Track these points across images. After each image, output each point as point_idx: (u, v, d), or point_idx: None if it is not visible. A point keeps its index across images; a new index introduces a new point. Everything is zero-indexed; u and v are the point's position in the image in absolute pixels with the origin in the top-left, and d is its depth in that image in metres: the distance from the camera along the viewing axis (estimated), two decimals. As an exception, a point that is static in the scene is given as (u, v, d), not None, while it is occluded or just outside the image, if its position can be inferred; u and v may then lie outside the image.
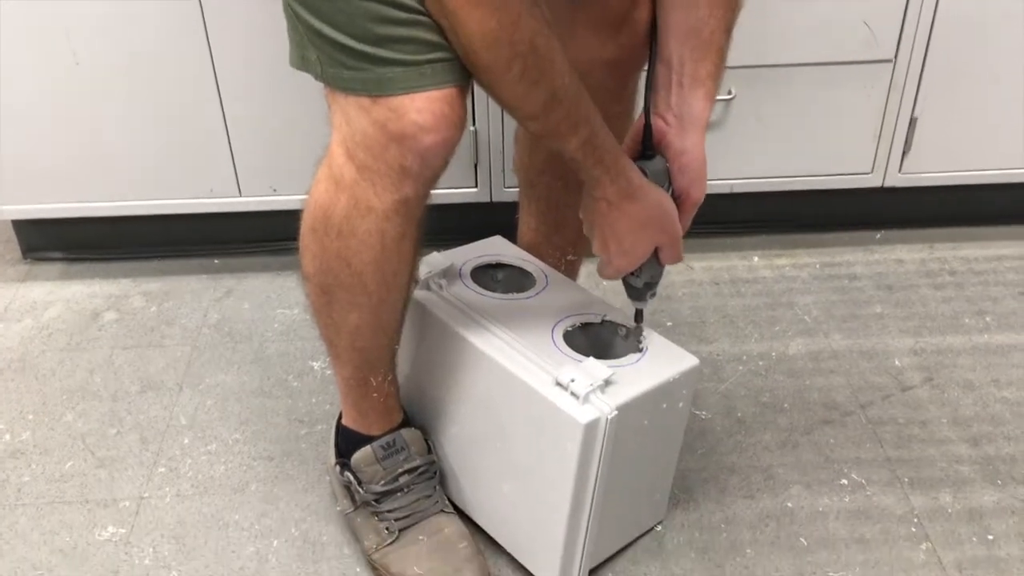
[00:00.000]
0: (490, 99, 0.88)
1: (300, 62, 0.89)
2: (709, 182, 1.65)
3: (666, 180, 0.98)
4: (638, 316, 1.07)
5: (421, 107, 0.83)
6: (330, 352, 1.05)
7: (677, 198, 0.99)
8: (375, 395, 1.07)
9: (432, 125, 0.84)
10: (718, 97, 1.50)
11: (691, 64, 0.96)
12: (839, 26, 1.47)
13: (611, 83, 1.06)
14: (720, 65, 0.97)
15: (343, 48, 0.83)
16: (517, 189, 1.25)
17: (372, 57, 0.82)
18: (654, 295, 1.06)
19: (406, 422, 1.11)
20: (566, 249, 1.23)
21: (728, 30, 0.97)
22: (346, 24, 0.82)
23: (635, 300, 1.06)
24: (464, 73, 0.85)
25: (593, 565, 1.09)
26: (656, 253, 1.01)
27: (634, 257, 0.99)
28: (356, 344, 1.01)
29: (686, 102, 0.97)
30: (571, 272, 1.25)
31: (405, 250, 0.94)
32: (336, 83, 0.86)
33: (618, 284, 1.10)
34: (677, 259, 1.02)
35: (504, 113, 1.48)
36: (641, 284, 1.05)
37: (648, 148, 0.97)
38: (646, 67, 1.02)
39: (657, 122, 0.97)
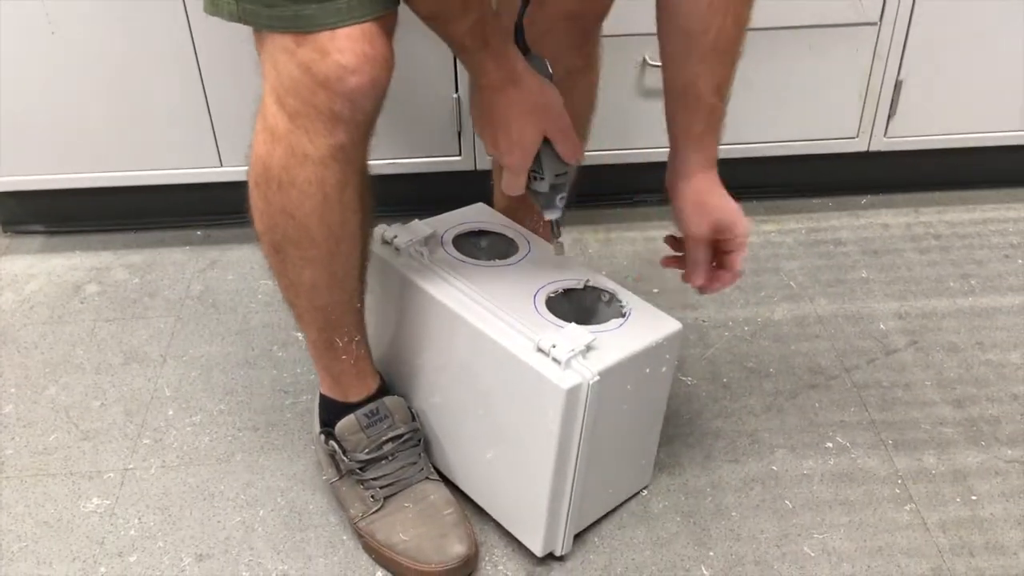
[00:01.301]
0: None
1: (212, 6, 0.89)
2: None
3: (548, 74, 0.98)
4: (555, 229, 1.05)
5: (343, 47, 0.83)
6: (294, 315, 1.05)
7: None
8: (344, 357, 1.06)
9: (356, 66, 0.83)
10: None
11: (683, 122, 0.99)
12: (824, -12, 1.46)
13: (573, 37, 1.06)
14: (712, 123, 1.00)
15: None
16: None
17: None
18: (564, 200, 1.04)
19: (384, 389, 1.11)
20: None
21: (719, 90, 0.98)
22: None
23: (546, 209, 1.04)
24: (381, 3, 0.84)
25: (579, 530, 1.09)
26: (553, 149, 0.99)
27: (523, 147, 0.97)
28: (315, 303, 1.01)
29: (680, 156, 1.00)
30: (549, 235, 1.24)
31: (348, 199, 0.93)
32: (254, 20, 0.85)
33: (604, 252, 1.10)
34: (575, 153, 1.00)
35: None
36: (547, 187, 1.02)
37: (521, 44, 0.96)
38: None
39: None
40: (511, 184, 1.00)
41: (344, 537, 1.11)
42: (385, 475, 1.08)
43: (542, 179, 1.01)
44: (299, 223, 0.92)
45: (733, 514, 1.14)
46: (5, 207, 1.66)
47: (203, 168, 1.54)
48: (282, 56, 0.85)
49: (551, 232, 1.06)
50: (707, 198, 1.01)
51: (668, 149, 1.02)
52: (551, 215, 1.04)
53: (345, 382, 1.08)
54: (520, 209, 1.21)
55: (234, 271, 1.57)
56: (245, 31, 0.89)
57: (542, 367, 0.95)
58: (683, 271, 1.05)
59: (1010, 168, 1.72)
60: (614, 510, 1.14)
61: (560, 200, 1.03)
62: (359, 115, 0.87)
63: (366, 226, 1.00)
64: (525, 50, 0.97)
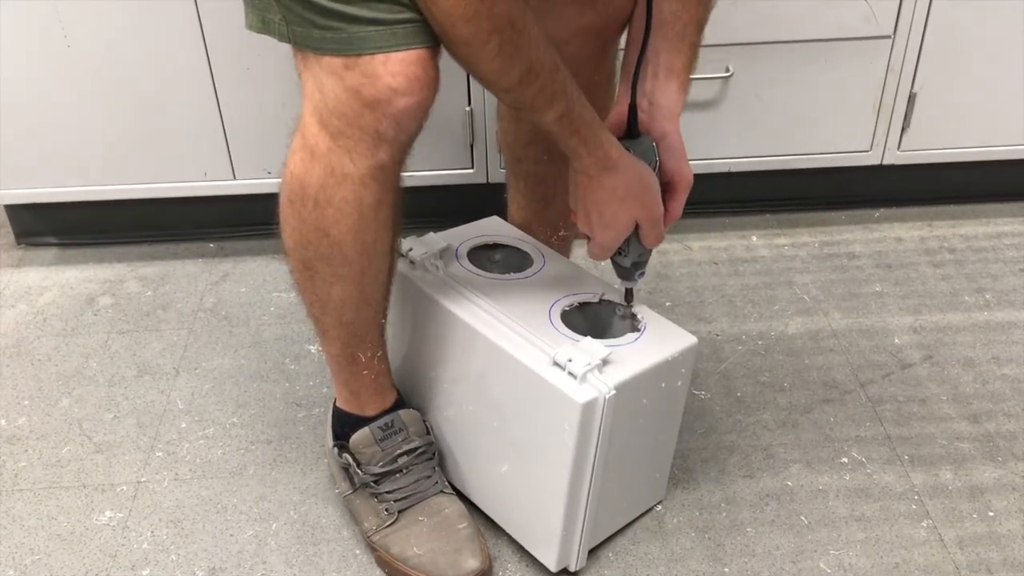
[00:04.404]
0: (475, 80, 0.87)
1: (260, 25, 0.89)
2: (708, 160, 1.65)
3: (653, 159, 0.98)
4: (628, 296, 1.07)
5: (395, 70, 0.83)
6: (317, 330, 1.04)
7: (669, 180, 1.00)
8: (366, 372, 1.06)
9: (406, 88, 0.83)
10: (716, 75, 1.51)
11: (666, 55, 0.97)
12: (838, 3, 1.46)
13: (591, 51, 1.06)
14: (693, 59, 0.99)
15: (313, 6, 0.82)
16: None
17: (343, 15, 0.81)
18: (643, 275, 1.06)
19: (400, 403, 1.11)
20: (556, 225, 1.22)
21: (700, 26, 0.98)
22: None
23: (624, 280, 1.06)
24: (436, 35, 0.84)
25: (593, 545, 1.08)
26: (638, 233, 1.01)
27: (616, 231, 0.99)
28: (342, 319, 1.01)
29: (662, 91, 0.98)
30: (564, 248, 1.25)
31: (383, 217, 0.93)
32: (305, 42, 0.85)
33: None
34: (658, 239, 1.02)
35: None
36: (629, 264, 1.04)
37: (633, 128, 0.97)
38: (624, 44, 1.03)
39: None
40: (596, 255, 1.02)
41: (357, 551, 1.11)
42: (399, 488, 1.08)
43: (626, 256, 1.04)
44: (333, 241, 0.92)
45: (748, 530, 1.13)
46: (19, 219, 1.67)
47: (216, 181, 1.55)
48: (329, 78, 0.84)
49: (624, 297, 1.07)
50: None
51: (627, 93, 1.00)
52: (627, 284, 1.07)
53: (364, 396, 1.08)
54: (535, 224, 1.22)
55: (247, 283, 1.57)
56: (260, 45, 0.89)
57: (558, 381, 0.94)
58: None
59: (1024, 182, 1.72)
60: (628, 525, 1.13)
61: (639, 275, 1.06)
62: (402, 136, 0.87)
63: (395, 242, 1.00)
64: (635, 133, 0.97)
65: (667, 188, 1.00)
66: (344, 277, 0.96)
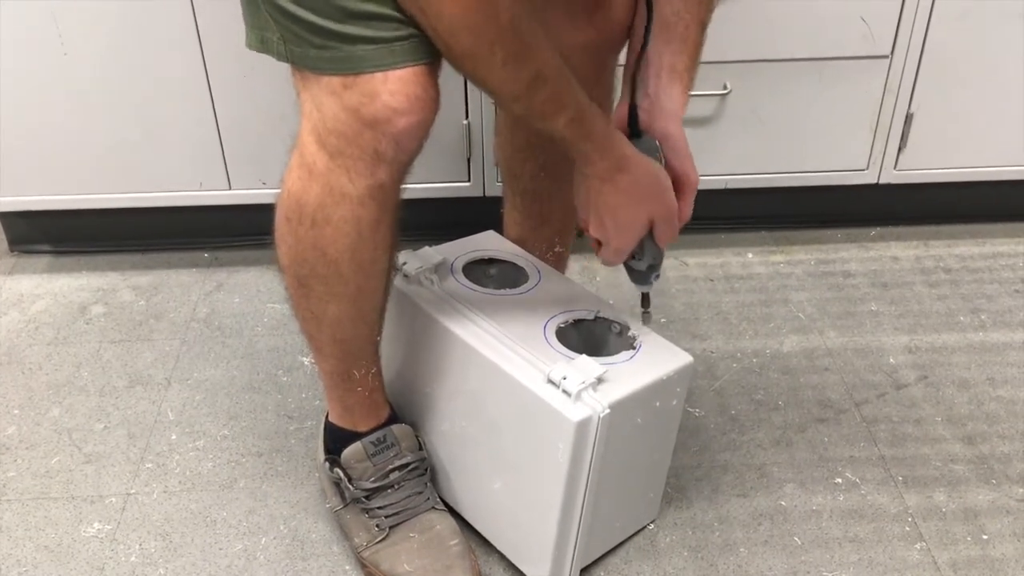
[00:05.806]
0: (482, 92, 0.87)
1: (259, 44, 0.88)
2: (703, 177, 1.64)
3: (658, 157, 0.97)
4: (645, 300, 1.06)
5: (394, 89, 0.82)
6: (311, 346, 1.04)
7: (675, 182, 0.98)
8: (359, 389, 1.05)
9: (406, 107, 0.83)
10: (713, 92, 1.51)
11: (669, 57, 0.97)
12: (836, 22, 1.46)
13: (589, 67, 1.06)
14: (696, 60, 0.98)
15: (309, 26, 0.81)
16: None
17: (340, 35, 0.81)
18: (658, 276, 1.04)
19: (393, 418, 1.10)
20: (552, 241, 1.22)
21: (702, 26, 0.98)
22: (310, 0, 0.80)
23: (639, 284, 1.05)
24: (435, 50, 0.83)
25: (585, 564, 1.08)
26: (652, 233, 0.99)
27: (631, 233, 0.97)
28: (337, 336, 1.00)
29: (665, 93, 0.97)
30: (559, 264, 1.24)
31: (381, 237, 0.92)
32: (303, 62, 0.84)
33: (612, 279, 1.09)
34: (673, 236, 1.00)
35: (496, 106, 1.47)
36: (645, 266, 1.03)
37: (635, 128, 0.96)
38: (625, 50, 1.03)
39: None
40: (611, 261, 1.01)
41: (347, 567, 1.10)
42: (391, 504, 1.07)
43: (641, 259, 1.02)
44: (330, 260, 0.91)
45: (741, 550, 1.12)
46: (13, 226, 1.66)
47: (212, 191, 1.54)
48: (327, 97, 0.84)
49: (641, 302, 1.06)
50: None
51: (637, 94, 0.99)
52: (642, 289, 1.06)
53: (357, 412, 1.07)
54: (531, 240, 1.21)
55: (240, 294, 1.57)
56: (257, 54, 0.89)
57: (552, 399, 0.94)
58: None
59: (1021, 202, 1.72)
60: (621, 544, 1.12)
61: (655, 278, 1.04)
62: (402, 155, 0.87)
63: (393, 260, 0.99)
64: (637, 133, 0.96)
65: (674, 190, 0.99)
66: (340, 296, 0.95)
